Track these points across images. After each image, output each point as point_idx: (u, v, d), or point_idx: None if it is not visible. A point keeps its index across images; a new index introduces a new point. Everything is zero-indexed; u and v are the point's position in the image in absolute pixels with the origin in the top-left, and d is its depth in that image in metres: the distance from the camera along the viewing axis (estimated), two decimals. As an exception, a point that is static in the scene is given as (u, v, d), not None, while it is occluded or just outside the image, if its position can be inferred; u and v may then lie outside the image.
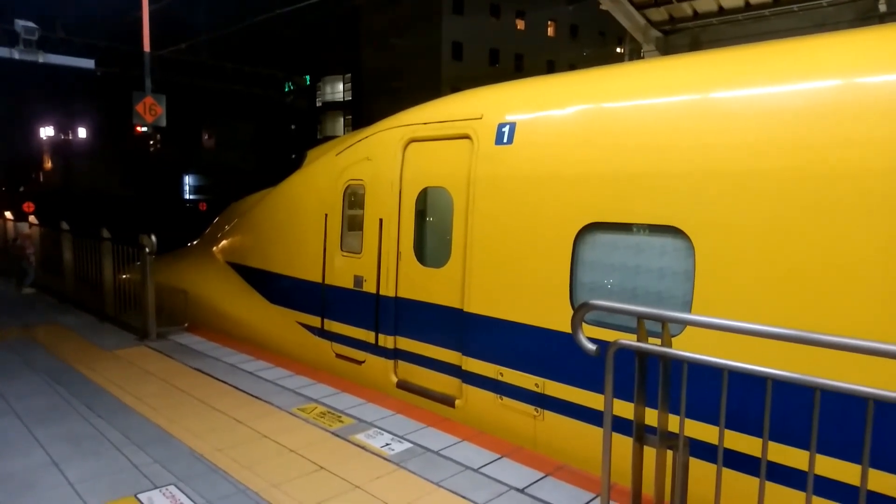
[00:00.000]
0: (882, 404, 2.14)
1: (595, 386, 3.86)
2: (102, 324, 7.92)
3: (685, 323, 3.21)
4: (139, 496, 3.42)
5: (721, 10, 7.56)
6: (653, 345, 2.78)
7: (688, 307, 3.47)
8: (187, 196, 53.28)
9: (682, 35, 8.15)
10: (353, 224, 5.87)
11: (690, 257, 3.47)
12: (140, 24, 13.40)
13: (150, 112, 13.20)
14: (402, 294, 5.28)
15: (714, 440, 2.71)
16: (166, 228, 14.28)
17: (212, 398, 5.07)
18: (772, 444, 2.97)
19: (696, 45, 7.91)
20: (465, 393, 4.71)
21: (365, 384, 5.56)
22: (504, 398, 4.44)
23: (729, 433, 3.07)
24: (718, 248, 3.33)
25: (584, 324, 2.95)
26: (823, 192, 3.00)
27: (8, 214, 15.25)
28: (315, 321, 6.21)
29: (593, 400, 3.87)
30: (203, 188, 53.10)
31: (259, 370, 5.92)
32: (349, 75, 46.62)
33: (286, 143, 49.91)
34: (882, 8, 6.27)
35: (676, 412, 2.71)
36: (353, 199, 5.89)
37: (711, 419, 3.18)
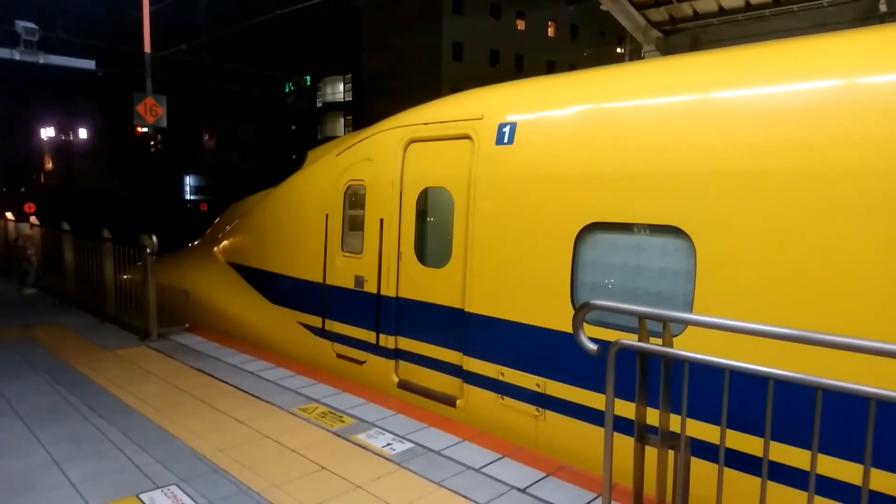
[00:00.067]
0: (884, 404, 2.14)
1: (596, 386, 3.86)
2: (103, 324, 7.92)
3: (686, 323, 3.21)
4: (141, 496, 3.43)
5: (721, 11, 7.56)
6: (654, 345, 2.78)
7: (689, 307, 3.47)
8: (188, 196, 53.33)
9: (683, 35, 8.15)
10: (353, 224, 5.87)
11: (691, 257, 3.47)
12: (140, 25, 13.41)
13: (150, 113, 13.22)
14: (403, 294, 5.29)
15: (716, 440, 2.71)
16: (167, 229, 14.28)
17: (213, 398, 5.08)
18: (773, 444, 2.97)
19: (696, 45, 7.92)
20: (467, 393, 4.72)
21: (366, 384, 5.56)
22: (505, 398, 4.44)
23: (730, 433, 3.07)
24: (719, 248, 3.33)
25: (585, 324, 2.95)
26: (824, 193, 3.00)
27: (9, 215, 15.27)
28: (316, 321, 6.21)
29: (594, 400, 3.87)
30: (204, 188, 53.14)
31: (260, 370, 5.92)
32: (349, 76, 46.64)
33: (287, 143, 49.94)
34: (882, 8, 6.27)
35: (678, 412, 2.71)
36: (354, 199, 5.89)
37: (713, 419, 3.18)
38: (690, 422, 2.98)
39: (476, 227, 4.61)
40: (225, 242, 8.15)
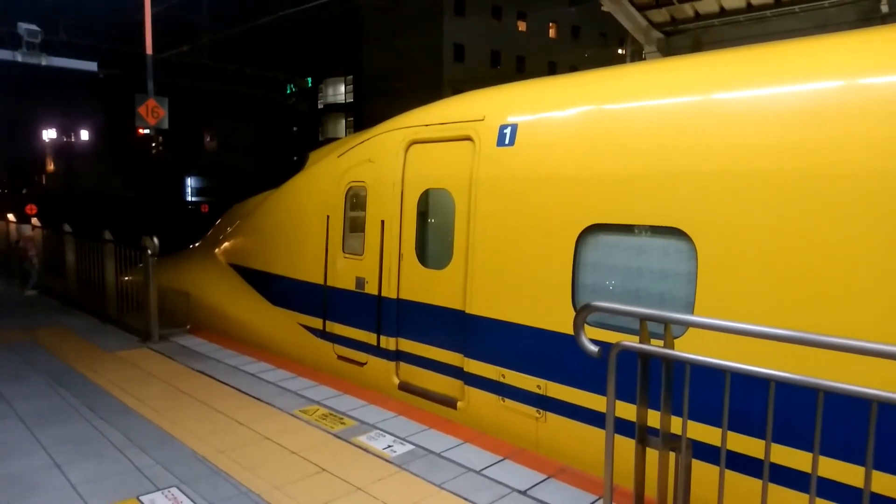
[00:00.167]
0: (885, 406, 2.13)
1: (597, 387, 3.85)
2: (105, 326, 7.93)
3: (687, 324, 3.21)
4: (141, 498, 3.42)
5: (723, 12, 7.56)
6: (655, 346, 2.77)
7: (690, 308, 3.46)
8: (189, 198, 53.38)
9: (684, 36, 8.15)
10: (354, 226, 5.87)
11: (693, 258, 3.47)
12: (142, 27, 13.44)
13: (152, 114, 13.25)
14: (404, 296, 5.28)
15: (717, 442, 2.71)
16: (168, 230, 14.29)
17: (214, 400, 5.08)
18: (775, 446, 2.96)
19: (697, 46, 7.91)
20: (467, 395, 4.71)
21: (367, 386, 5.56)
22: (506, 400, 4.43)
23: (732, 435, 3.07)
24: (721, 249, 3.33)
25: (586, 325, 2.95)
26: (826, 193, 2.99)
27: (11, 217, 15.29)
28: (317, 323, 6.21)
29: (595, 402, 3.87)
30: (205, 190, 53.20)
31: (261, 372, 5.92)
32: (351, 77, 46.70)
33: (288, 144, 49.98)
34: (884, 9, 6.26)
35: (679, 414, 2.71)
36: (355, 200, 5.89)
37: (714, 421, 3.17)
38: (692, 424, 2.97)
39: (477, 228, 4.60)
40: (226, 244, 8.15)
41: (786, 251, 3.10)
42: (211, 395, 5.19)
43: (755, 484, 3.00)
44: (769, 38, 4.27)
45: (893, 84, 2.91)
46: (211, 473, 3.74)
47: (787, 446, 3.02)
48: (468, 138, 4.78)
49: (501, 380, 4.45)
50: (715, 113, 3.48)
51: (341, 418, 4.71)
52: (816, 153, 3.05)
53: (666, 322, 2.75)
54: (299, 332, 6.44)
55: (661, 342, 2.79)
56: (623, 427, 3.18)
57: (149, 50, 13.63)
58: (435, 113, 5.21)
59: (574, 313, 3.83)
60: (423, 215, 5.30)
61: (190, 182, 54.81)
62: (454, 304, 4.82)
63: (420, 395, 5.14)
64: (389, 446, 4.19)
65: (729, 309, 3.27)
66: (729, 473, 2.93)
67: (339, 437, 4.33)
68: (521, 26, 43.57)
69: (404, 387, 5.30)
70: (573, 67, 34.74)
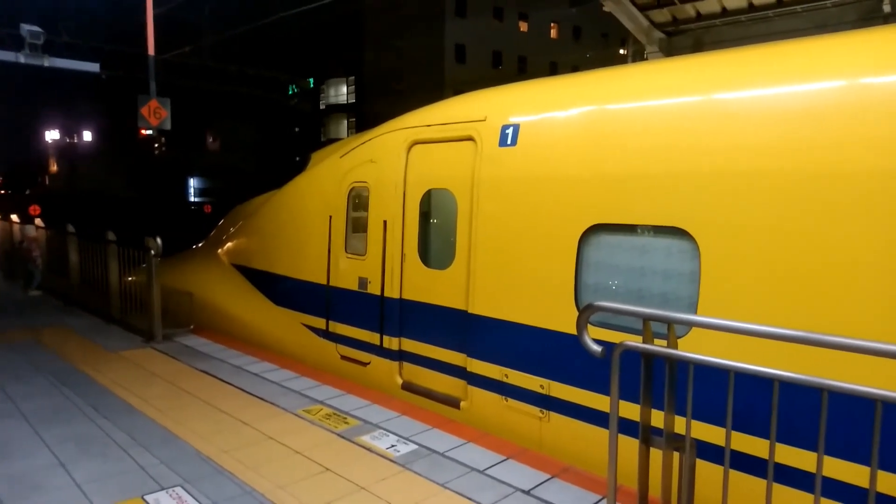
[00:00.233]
0: (890, 406, 2.13)
1: (600, 387, 3.85)
2: (108, 326, 7.95)
3: (691, 324, 3.21)
4: (146, 497, 3.44)
5: (724, 12, 7.54)
6: (658, 346, 2.78)
7: (693, 308, 3.46)
8: (192, 198, 53.44)
9: (686, 36, 8.13)
10: (357, 226, 5.88)
11: (696, 258, 3.47)
12: (144, 28, 13.48)
13: (154, 115, 13.28)
14: (407, 296, 5.29)
15: (721, 442, 2.71)
16: (171, 231, 14.32)
17: (217, 400, 5.09)
18: (779, 446, 2.96)
19: (699, 46, 7.90)
20: (471, 394, 4.72)
21: (370, 386, 5.56)
22: (509, 400, 4.44)
23: (736, 434, 3.07)
24: (724, 249, 3.33)
25: (589, 325, 2.95)
26: (828, 193, 3.00)
27: (14, 217, 15.32)
28: (320, 323, 6.22)
29: (599, 401, 3.87)
30: (208, 190, 53.24)
31: (264, 372, 5.93)
32: (353, 78, 46.73)
33: (290, 145, 50.01)
34: (886, 8, 6.25)
35: (682, 414, 2.71)
36: (358, 201, 5.90)
37: (718, 421, 3.17)
38: (695, 423, 2.97)
39: (479, 228, 4.61)
40: (229, 244, 8.17)
41: (789, 251, 3.10)
42: (214, 395, 5.20)
43: (759, 484, 3.00)
44: (771, 38, 4.27)
45: None
46: (215, 473, 3.75)
47: (791, 446, 3.02)
48: (470, 139, 4.78)
49: (504, 380, 4.45)
50: (717, 113, 3.48)
51: (345, 418, 4.72)
52: (819, 153, 3.05)
53: (669, 322, 2.75)
54: (302, 333, 6.45)
55: (664, 342, 2.79)
56: (626, 427, 3.18)
57: (151, 51, 13.67)
58: (437, 113, 5.22)
59: (577, 313, 3.84)
60: (425, 215, 5.31)
61: (193, 182, 54.86)
62: (457, 303, 4.83)
63: (423, 394, 5.14)
64: (393, 446, 4.20)
65: (732, 308, 3.27)
66: (733, 473, 2.93)
67: (343, 437, 4.34)
68: (523, 27, 43.56)
69: (407, 387, 5.31)
70: (575, 68, 34.71)
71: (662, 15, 8.05)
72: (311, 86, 47.27)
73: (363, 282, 5.69)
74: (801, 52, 3.43)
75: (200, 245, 9.33)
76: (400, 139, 5.41)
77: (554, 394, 4.14)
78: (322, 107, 49.09)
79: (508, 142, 4.50)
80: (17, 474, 3.70)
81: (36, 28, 14.21)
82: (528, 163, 4.36)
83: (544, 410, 4.21)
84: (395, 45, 41.49)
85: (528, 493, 3.57)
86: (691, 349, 2.99)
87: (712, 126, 3.47)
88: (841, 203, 2.95)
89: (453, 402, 4.87)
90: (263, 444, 4.20)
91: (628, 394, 3.08)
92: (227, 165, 52.10)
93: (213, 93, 32.05)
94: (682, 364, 2.74)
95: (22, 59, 14.25)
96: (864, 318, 2.87)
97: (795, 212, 3.09)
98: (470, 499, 3.48)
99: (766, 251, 3.17)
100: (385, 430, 4.49)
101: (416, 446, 4.20)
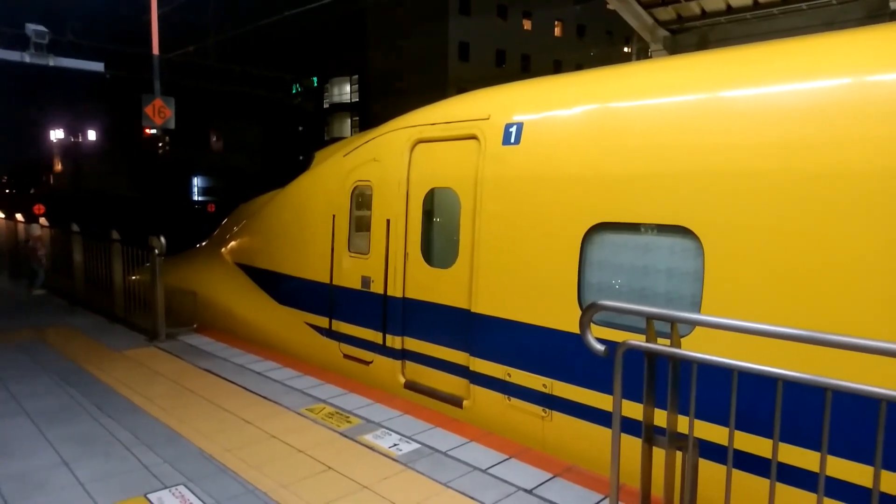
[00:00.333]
0: (894, 405, 2.12)
1: (603, 387, 3.84)
2: (112, 325, 7.97)
3: (694, 323, 3.20)
4: (149, 496, 3.44)
5: (729, 9, 7.51)
6: (662, 345, 2.77)
7: (697, 307, 3.45)
8: (196, 197, 53.60)
9: (690, 34, 8.10)
10: (360, 225, 5.88)
11: (699, 257, 3.46)
12: (149, 27, 13.50)
13: (159, 114, 13.31)
14: (410, 295, 5.29)
15: (724, 441, 2.70)
16: (175, 230, 14.36)
17: (221, 399, 5.10)
18: (782, 446, 2.95)
19: (704, 44, 7.86)
20: (473, 393, 4.71)
21: (373, 385, 5.57)
22: (512, 399, 4.43)
23: (739, 434, 3.05)
24: (727, 247, 3.31)
25: (592, 324, 2.94)
26: (833, 192, 2.98)
27: (19, 216, 15.39)
28: (323, 322, 6.22)
29: (601, 401, 3.86)
30: (211, 189, 53.42)
31: (267, 371, 5.94)
32: (356, 77, 46.75)
33: (294, 144, 50.11)
34: (892, 6, 6.20)
35: (685, 413, 2.70)
36: (361, 200, 5.90)
37: (721, 420, 3.16)
38: (698, 423, 2.96)
39: (483, 227, 4.60)
40: (232, 243, 8.18)
41: (793, 250, 3.08)
42: (218, 394, 5.21)
43: (762, 483, 2.99)
44: (776, 35, 4.24)
45: None
46: (218, 471, 3.76)
47: (794, 445, 3.01)
48: (473, 137, 4.77)
49: (507, 379, 4.45)
50: (721, 111, 3.46)
51: (347, 417, 4.72)
52: (823, 152, 3.03)
53: (672, 321, 2.74)
54: (305, 331, 6.46)
55: (667, 341, 2.78)
56: (629, 426, 3.17)
57: (155, 50, 13.69)
58: (440, 112, 5.21)
59: (580, 312, 3.83)
60: (428, 214, 5.30)
61: (196, 182, 55.04)
62: (460, 303, 4.82)
63: (426, 393, 5.14)
64: (395, 445, 4.20)
65: (736, 307, 3.25)
66: (736, 473, 2.92)
67: (346, 436, 4.34)
68: (527, 25, 43.49)
69: (410, 385, 5.31)
70: (579, 66, 34.67)
71: (667, 13, 8.02)
72: (315, 85, 47.38)
73: (366, 281, 5.69)
74: (806, 50, 3.41)
75: (204, 244, 9.34)
76: (403, 138, 5.41)
77: (557, 393, 4.13)
78: (326, 106, 49.14)
79: (512, 140, 4.49)
80: (21, 473, 3.71)
81: (41, 28, 14.27)
82: (531, 161, 4.35)
83: (547, 409, 4.21)
84: (398, 44, 41.49)
85: (530, 492, 3.56)
86: (694, 348, 2.98)
87: (717, 125, 3.45)
88: (845, 202, 2.94)
89: (456, 402, 4.87)
90: (266, 442, 4.21)
91: (631, 393, 3.07)
92: (230, 164, 52.25)
93: (217, 92, 32.11)
94: (686, 363, 2.73)
95: (27, 59, 14.31)
96: (868, 316, 2.85)
97: (800, 210, 3.07)
98: (472, 498, 3.48)
99: (771, 250, 3.16)
100: (387, 428, 4.49)
101: (418, 445, 4.20)
